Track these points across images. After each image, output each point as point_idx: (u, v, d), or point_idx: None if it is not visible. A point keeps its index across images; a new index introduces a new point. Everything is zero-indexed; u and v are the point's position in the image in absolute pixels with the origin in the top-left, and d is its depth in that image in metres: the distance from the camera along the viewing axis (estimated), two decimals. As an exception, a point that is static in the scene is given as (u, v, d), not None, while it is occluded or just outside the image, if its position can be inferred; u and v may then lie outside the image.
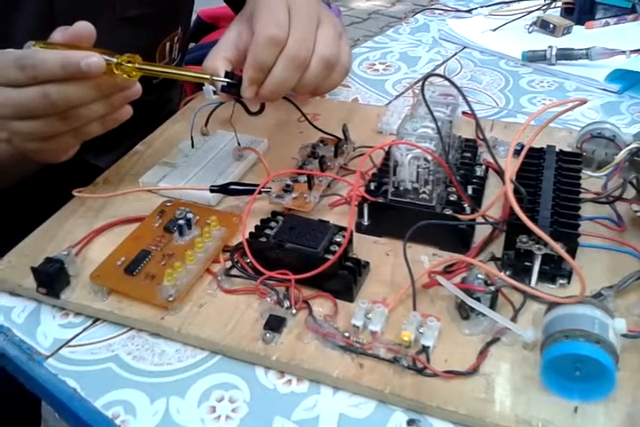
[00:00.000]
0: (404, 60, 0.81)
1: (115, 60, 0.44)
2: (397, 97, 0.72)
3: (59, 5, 0.57)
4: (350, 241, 0.44)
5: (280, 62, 0.46)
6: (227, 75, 0.48)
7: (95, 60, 0.42)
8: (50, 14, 0.57)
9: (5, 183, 0.57)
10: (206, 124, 0.60)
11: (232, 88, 0.48)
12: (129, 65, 0.44)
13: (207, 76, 0.48)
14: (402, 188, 0.46)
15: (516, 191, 0.41)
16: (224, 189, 0.52)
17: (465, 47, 0.85)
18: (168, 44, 0.69)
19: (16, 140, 0.47)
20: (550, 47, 0.77)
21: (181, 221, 0.47)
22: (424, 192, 0.46)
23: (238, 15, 0.53)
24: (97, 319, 0.44)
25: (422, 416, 0.37)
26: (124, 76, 0.44)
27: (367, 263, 0.45)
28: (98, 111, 0.45)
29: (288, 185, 0.52)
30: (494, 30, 0.88)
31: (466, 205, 0.46)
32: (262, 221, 0.46)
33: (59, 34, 0.44)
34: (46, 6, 0.57)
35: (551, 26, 0.85)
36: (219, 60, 0.49)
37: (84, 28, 0.44)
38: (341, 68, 0.50)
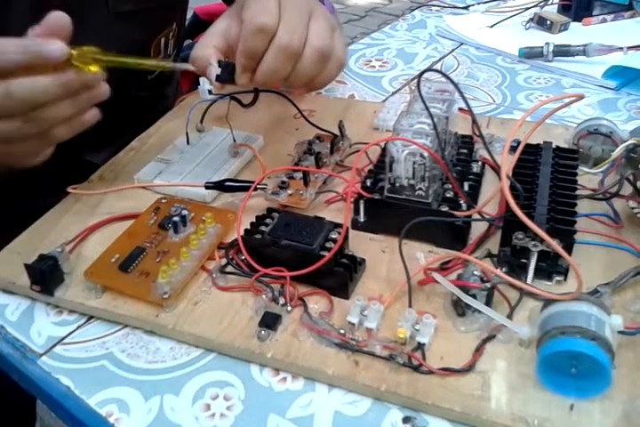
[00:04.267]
0: (401, 57, 0.81)
1: (74, 51, 0.42)
2: (394, 93, 0.72)
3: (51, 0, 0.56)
4: (346, 238, 0.44)
5: (271, 51, 0.46)
6: (220, 64, 0.48)
7: (57, 46, 0.40)
8: (41, 9, 0.56)
9: None
10: (202, 121, 0.60)
11: (227, 77, 0.48)
12: (88, 55, 0.43)
13: (170, 64, 0.47)
14: (398, 184, 0.46)
15: (512, 188, 0.41)
16: (219, 186, 0.52)
17: (462, 44, 0.85)
18: (163, 40, 0.68)
19: None
20: (547, 44, 0.77)
21: (176, 218, 0.47)
22: (420, 189, 0.45)
23: (229, 9, 0.53)
24: (91, 317, 0.44)
25: (418, 414, 0.36)
26: (84, 68, 0.42)
27: (363, 260, 0.45)
28: (63, 112, 0.43)
29: (284, 182, 0.52)
30: (491, 27, 0.87)
31: (462, 202, 0.46)
32: (257, 217, 0.46)
33: (32, 31, 0.42)
34: (38, 2, 0.56)
35: (548, 22, 0.85)
36: (208, 49, 0.49)
37: (58, 19, 0.42)
38: (336, 60, 0.50)
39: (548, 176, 0.46)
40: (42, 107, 0.42)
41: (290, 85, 0.51)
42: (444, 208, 0.45)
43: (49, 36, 0.42)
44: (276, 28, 0.46)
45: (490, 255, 0.45)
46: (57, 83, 0.42)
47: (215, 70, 0.48)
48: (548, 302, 0.38)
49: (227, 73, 0.48)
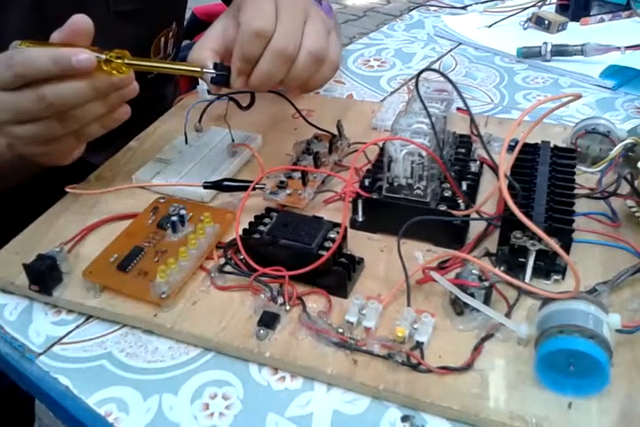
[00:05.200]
0: (399, 57, 0.81)
1: (103, 56, 0.43)
2: (392, 93, 0.72)
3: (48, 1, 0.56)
4: (344, 237, 0.44)
5: (266, 55, 0.47)
6: (215, 66, 0.48)
7: (86, 56, 0.42)
8: (41, 9, 0.57)
9: (6, 187, 0.56)
10: (200, 121, 0.60)
11: (222, 79, 0.48)
12: (118, 61, 0.44)
13: (198, 69, 0.47)
14: (396, 184, 0.46)
15: (510, 187, 0.41)
16: (218, 186, 0.52)
17: (460, 44, 0.85)
18: (163, 40, 0.69)
19: (17, 145, 0.47)
20: (545, 43, 0.77)
21: (175, 218, 0.47)
22: (418, 188, 0.46)
23: (226, 10, 0.53)
24: (89, 316, 0.44)
25: (416, 412, 0.36)
26: (114, 72, 0.44)
27: (361, 259, 0.45)
28: (96, 111, 0.45)
29: (282, 181, 0.52)
30: (489, 27, 0.88)
31: (460, 201, 0.46)
32: (256, 217, 0.46)
33: (56, 34, 0.44)
34: (36, 2, 0.56)
35: (546, 22, 0.85)
36: (206, 52, 0.49)
37: (80, 22, 0.43)
38: (330, 63, 0.50)
39: (545, 175, 0.46)
40: (74, 108, 0.44)
41: (284, 87, 0.51)
42: (443, 207, 0.45)
43: (72, 40, 0.43)
44: (272, 32, 0.46)
45: (488, 254, 0.45)
46: (88, 86, 0.43)
47: (211, 74, 0.48)
48: (546, 300, 0.38)
49: (222, 76, 0.48)
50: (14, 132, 0.45)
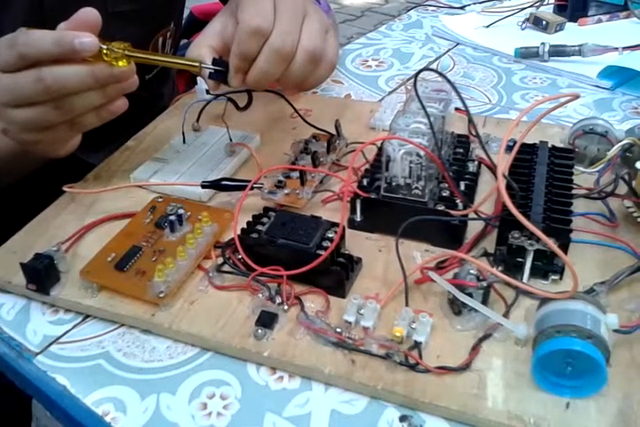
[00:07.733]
0: (397, 57, 0.81)
1: (104, 46, 0.43)
2: (390, 93, 0.72)
3: (48, 0, 0.56)
4: (342, 237, 0.44)
5: (264, 53, 0.47)
6: (214, 62, 0.48)
7: (89, 39, 0.41)
8: (39, 9, 0.57)
9: (3, 184, 0.56)
10: (198, 120, 0.60)
11: (220, 75, 0.48)
12: (119, 51, 0.44)
13: (196, 64, 0.47)
14: (394, 183, 0.46)
15: (508, 187, 0.41)
16: (216, 185, 0.52)
17: (458, 44, 0.85)
18: (161, 40, 0.69)
19: (12, 131, 0.46)
20: (543, 44, 0.77)
21: (172, 217, 0.47)
22: (416, 188, 0.46)
23: (224, 7, 0.53)
24: (87, 316, 0.44)
25: (414, 412, 0.36)
26: (114, 62, 0.44)
27: (359, 259, 0.45)
28: (93, 101, 0.45)
29: (280, 181, 0.52)
30: (487, 27, 0.88)
31: (458, 201, 0.46)
32: (254, 216, 0.46)
33: (63, 25, 0.43)
34: (36, 1, 0.56)
35: (544, 22, 0.85)
36: (204, 48, 0.49)
37: (88, 14, 0.43)
38: (327, 62, 0.50)
39: (543, 175, 0.46)
40: (71, 95, 0.43)
41: (281, 86, 0.51)
42: (441, 207, 0.45)
43: (81, 29, 0.43)
44: (270, 30, 0.46)
45: (486, 254, 0.45)
46: (87, 73, 0.43)
47: (209, 69, 0.48)
48: (543, 300, 0.38)
49: (220, 71, 0.48)
50: (9, 115, 0.44)
